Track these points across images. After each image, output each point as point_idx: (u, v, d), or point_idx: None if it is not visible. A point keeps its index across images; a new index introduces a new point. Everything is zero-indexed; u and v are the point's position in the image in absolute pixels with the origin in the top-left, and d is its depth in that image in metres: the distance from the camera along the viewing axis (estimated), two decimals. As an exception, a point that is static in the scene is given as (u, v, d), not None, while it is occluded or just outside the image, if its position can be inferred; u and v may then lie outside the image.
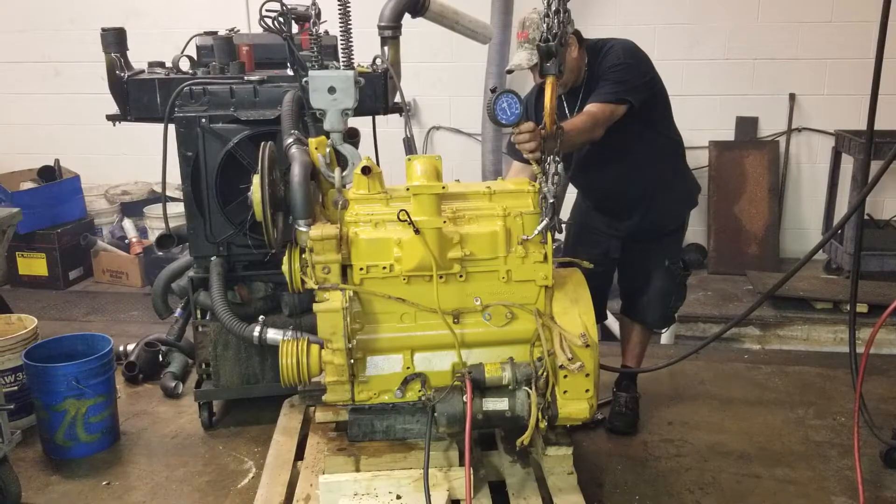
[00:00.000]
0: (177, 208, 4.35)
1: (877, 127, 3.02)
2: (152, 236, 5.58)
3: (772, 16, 5.29)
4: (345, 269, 2.60)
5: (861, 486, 2.68)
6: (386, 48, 3.42)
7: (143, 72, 3.44)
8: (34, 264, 5.35)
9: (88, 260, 5.55)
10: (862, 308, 4.36)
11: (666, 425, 3.47)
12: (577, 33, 3.02)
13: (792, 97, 5.40)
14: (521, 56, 2.97)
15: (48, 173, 5.53)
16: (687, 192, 3.40)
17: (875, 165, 5.12)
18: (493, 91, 2.59)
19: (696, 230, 5.56)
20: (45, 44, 6.09)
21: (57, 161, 5.63)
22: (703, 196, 5.55)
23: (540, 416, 2.57)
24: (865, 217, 5.16)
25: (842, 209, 5.23)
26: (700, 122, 5.45)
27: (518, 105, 2.57)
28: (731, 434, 3.38)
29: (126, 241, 5.64)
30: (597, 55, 3.06)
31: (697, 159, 5.53)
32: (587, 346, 2.53)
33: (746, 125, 5.51)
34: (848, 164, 5.21)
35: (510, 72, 3.09)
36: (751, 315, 4.68)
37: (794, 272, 2.97)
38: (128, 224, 5.73)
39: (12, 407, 2.94)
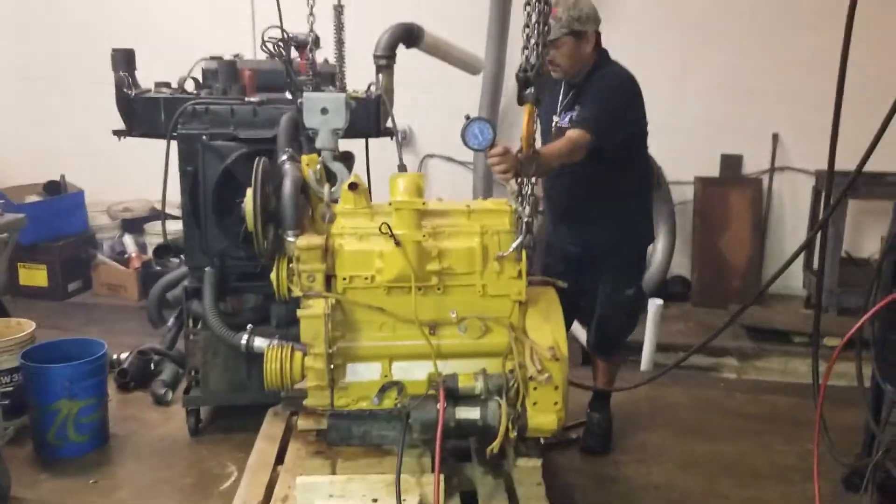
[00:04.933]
0: (175, 225, 4.50)
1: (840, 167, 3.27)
2: (151, 252, 5.72)
3: (757, 57, 5.49)
4: (329, 278, 2.73)
5: (818, 505, 2.78)
6: (381, 75, 3.61)
7: (149, 91, 3.62)
8: (35, 275, 5.49)
9: (88, 273, 5.70)
10: (835, 342, 4.47)
11: (638, 446, 3.58)
12: (598, 34, 3.26)
13: (775, 137, 5.59)
14: None
15: (53, 188, 5.70)
16: (639, 224, 3.49)
17: (853, 204, 5.33)
18: (466, 118, 2.75)
19: (680, 262, 5.70)
20: (55, 63, 6.28)
21: (62, 176, 5.81)
22: (686, 230, 5.76)
23: (510, 426, 2.68)
24: (844, 255, 5.31)
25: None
26: (686, 158, 5.63)
27: (490, 131, 2.74)
28: (701, 457, 3.49)
29: (125, 255, 5.79)
30: (601, 65, 3.28)
31: (683, 194, 5.71)
32: (556, 359, 2.65)
33: (731, 162, 5.69)
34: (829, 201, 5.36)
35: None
36: (730, 346, 4.85)
37: (742, 310, 3.35)
38: (128, 239, 5.89)
39: (6, 402, 3.06)
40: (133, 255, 5.75)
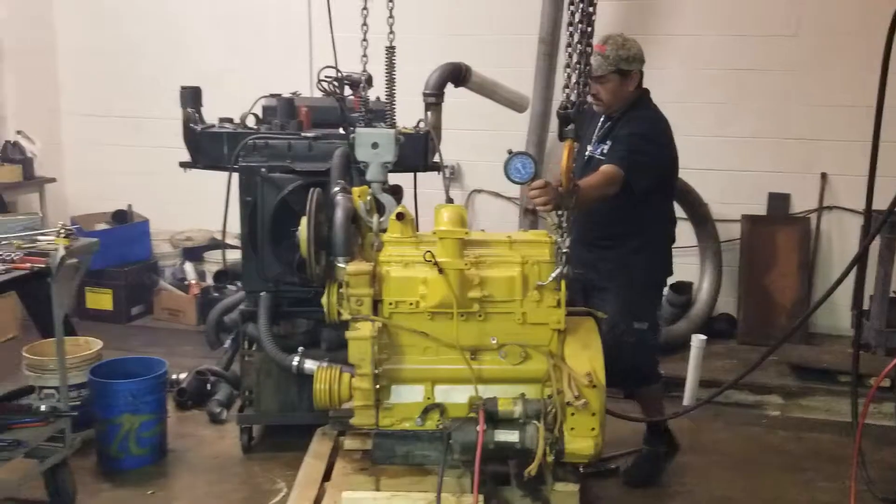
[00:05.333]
0: (233, 254, 4.74)
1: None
2: (210, 279, 5.98)
3: (801, 98, 5.54)
4: (376, 303, 2.88)
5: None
6: (429, 113, 3.79)
7: (213, 126, 3.86)
8: (101, 299, 5.78)
9: (150, 298, 5.97)
10: (885, 383, 4.44)
11: (678, 477, 3.61)
12: (640, 74, 3.41)
13: (823, 176, 5.60)
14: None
15: (121, 216, 6.02)
16: (647, 260, 3.51)
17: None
18: (509, 153, 2.90)
19: (726, 300, 5.72)
20: (127, 103, 6.65)
21: (129, 206, 6.13)
22: (733, 268, 5.78)
23: (547, 450, 2.77)
24: (893, 294, 5.27)
25: (871, 286, 5.34)
26: (731, 196, 5.68)
27: (531, 165, 2.88)
28: (739, 490, 3.52)
29: (185, 282, 6.06)
30: (638, 105, 3.42)
31: (729, 232, 5.74)
32: (593, 386, 2.75)
33: (778, 201, 5.71)
34: (877, 242, 5.34)
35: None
36: (774, 384, 4.85)
37: (776, 347, 3.35)
38: (188, 267, 6.16)
39: (76, 414, 3.27)
40: (192, 281, 6.01)
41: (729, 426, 4.22)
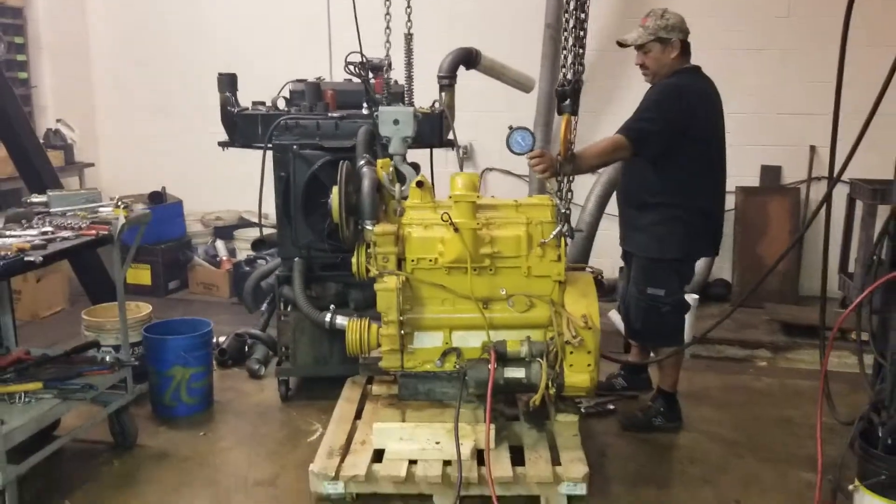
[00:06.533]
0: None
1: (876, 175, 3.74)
2: (240, 255, 6.42)
3: (795, 75, 5.90)
4: (400, 261, 3.31)
5: (820, 462, 3.19)
6: (443, 94, 4.20)
7: (247, 109, 4.28)
8: (140, 274, 6.23)
9: (185, 273, 6.42)
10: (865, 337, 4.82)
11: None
12: (683, 44, 3.62)
13: (812, 149, 5.98)
14: (632, 35, 3.66)
15: (156, 197, 6.45)
16: (669, 231, 3.62)
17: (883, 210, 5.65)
18: (510, 128, 3.30)
19: (722, 266, 6.10)
20: (159, 92, 7.10)
21: (163, 188, 6.57)
22: (728, 236, 6.15)
23: (550, 384, 3.20)
24: (875, 258, 5.62)
25: (855, 250, 5.72)
26: (728, 169, 6.02)
27: (530, 138, 3.28)
28: (725, 426, 3.93)
29: (217, 258, 6.49)
30: (674, 75, 3.62)
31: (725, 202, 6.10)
32: (589, 328, 3.17)
33: (771, 173, 6.09)
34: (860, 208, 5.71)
35: (620, 44, 3.71)
36: (764, 340, 5.25)
37: (732, 311, 3.99)
38: (220, 244, 6.60)
39: (137, 363, 3.71)
40: (224, 258, 6.45)
41: (719, 375, 4.61)
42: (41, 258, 3.04)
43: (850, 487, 2.93)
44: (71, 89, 7.09)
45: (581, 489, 3.11)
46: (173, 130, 7.07)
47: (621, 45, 3.71)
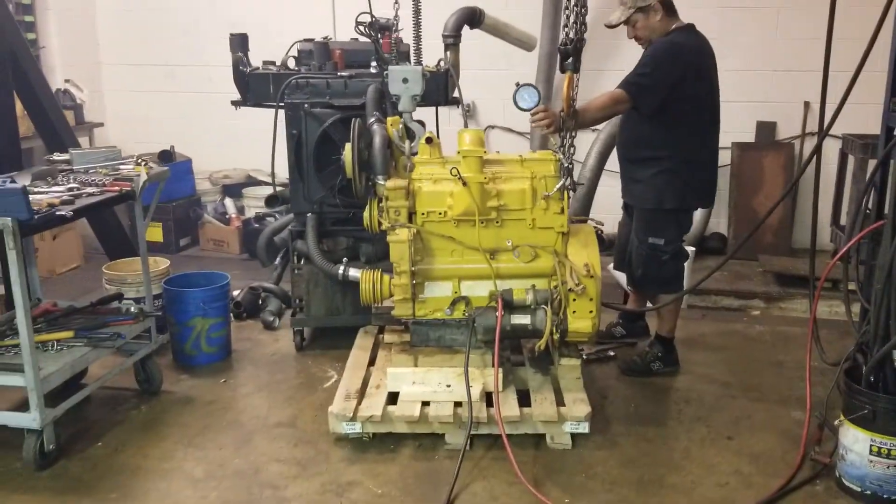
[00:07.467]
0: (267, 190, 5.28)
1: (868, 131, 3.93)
2: (249, 213, 6.58)
3: (789, 32, 6.01)
4: (410, 215, 3.47)
5: (809, 399, 3.41)
6: (448, 52, 4.31)
7: (259, 68, 4.39)
8: (152, 232, 6.37)
9: (196, 230, 6.59)
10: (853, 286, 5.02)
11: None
12: (663, 3, 3.67)
13: (806, 105, 6.11)
14: (615, 15, 3.76)
15: (166, 156, 6.57)
16: (667, 183, 3.75)
17: (874, 165, 5.80)
18: (516, 85, 3.43)
19: (718, 220, 6.28)
20: (163, 50, 7.19)
21: (172, 147, 6.68)
22: (724, 190, 6.32)
23: (554, 330, 3.39)
24: (867, 211, 5.79)
25: (847, 203, 5.88)
26: (724, 125, 6.09)
27: (536, 94, 3.41)
28: (719, 369, 4.13)
29: (227, 216, 6.66)
30: (668, 35, 3.72)
31: (721, 158, 6.22)
32: (591, 276, 3.35)
33: (766, 129, 6.23)
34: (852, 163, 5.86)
35: (608, 26, 3.82)
36: (758, 291, 5.44)
37: (717, 268, 4.07)
38: (228, 202, 6.76)
39: (160, 313, 3.90)
40: (233, 215, 6.61)
41: (714, 323, 4.80)
42: (71, 213, 3.20)
43: (836, 422, 3.15)
44: (78, 50, 7.16)
45: (584, 427, 3.32)
46: (177, 90, 7.17)
47: (609, 26, 3.81)
